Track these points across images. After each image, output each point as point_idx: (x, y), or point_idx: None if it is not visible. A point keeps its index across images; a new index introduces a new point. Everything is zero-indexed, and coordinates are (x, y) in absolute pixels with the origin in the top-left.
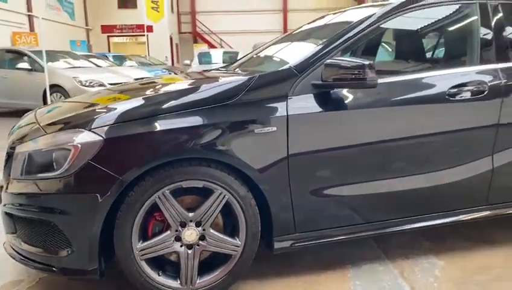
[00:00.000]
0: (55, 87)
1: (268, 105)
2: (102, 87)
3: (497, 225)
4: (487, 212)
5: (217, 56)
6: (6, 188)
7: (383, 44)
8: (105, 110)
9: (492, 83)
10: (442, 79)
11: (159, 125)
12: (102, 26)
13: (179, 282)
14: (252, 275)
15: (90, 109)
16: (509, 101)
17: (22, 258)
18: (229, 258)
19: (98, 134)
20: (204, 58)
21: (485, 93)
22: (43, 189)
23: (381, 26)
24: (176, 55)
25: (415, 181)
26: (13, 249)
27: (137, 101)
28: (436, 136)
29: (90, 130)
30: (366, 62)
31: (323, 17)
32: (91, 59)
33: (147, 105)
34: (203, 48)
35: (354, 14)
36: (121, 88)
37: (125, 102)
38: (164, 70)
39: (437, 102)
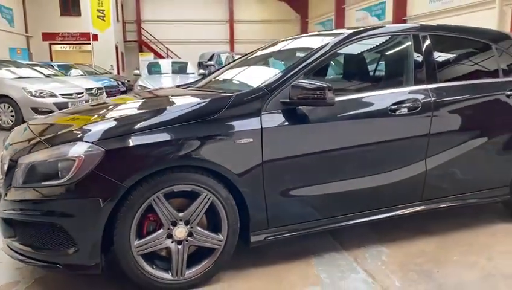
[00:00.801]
0: (3, 98)
1: (246, 120)
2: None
3: (430, 218)
4: (422, 207)
5: (166, 66)
6: (5, 196)
7: (337, 67)
8: (104, 125)
9: (424, 100)
10: (385, 97)
11: (153, 138)
12: (43, 33)
13: (170, 274)
14: (231, 266)
15: (90, 123)
16: (438, 115)
17: (24, 258)
18: (213, 251)
19: (99, 146)
20: (153, 68)
21: (419, 109)
22: (49, 195)
23: (335, 52)
24: (121, 64)
25: (364, 182)
26: (14, 250)
27: (134, 117)
28: (381, 144)
29: (92, 143)
30: (326, 84)
31: (276, 43)
32: (36, 68)
33: (141, 120)
34: (148, 56)
35: (308, 41)
36: (115, 102)
37: (123, 117)
38: (112, 79)
39: (381, 116)
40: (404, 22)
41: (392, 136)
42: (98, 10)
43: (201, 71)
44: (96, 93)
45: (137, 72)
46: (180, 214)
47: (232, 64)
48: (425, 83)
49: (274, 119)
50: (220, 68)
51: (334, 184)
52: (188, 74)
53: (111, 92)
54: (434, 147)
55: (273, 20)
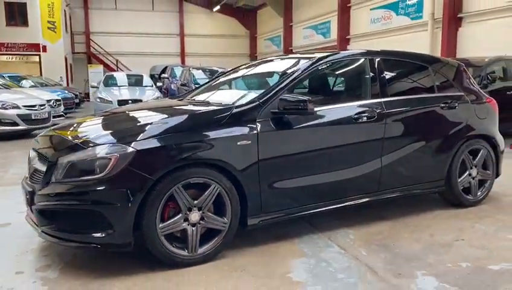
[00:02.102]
0: None
1: (245, 126)
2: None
3: (383, 206)
4: (378, 197)
5: (122, 79)
6: (41, 191)
7: (312, 84)
8: (134, 129)
9: (378, 111)
10: (350, 108)
11: (174, 140)
12: None
13: (186, 251)
14: (232, 246)
15: (122, 127)
16: (389, 123)
17: (63, 242)
18: (220, 232)
19: (131, 147)
20: (110, 80)
21: (375, 117)
22: (89, 187)
23: (310, 72)
24: (70, 76)
25: (334, 176)
26: (52, 236)
27: (156, 122)
28: (347, 145)
29: (124, 144)
30: (307, 98)
31: (256, 64)
32: None
33: (162, 125)
34: (98, 68)
35: (284, 62)
36: (132, 110)
37: (149, 122)
38: (66, 91)
39: (347, 123)
40: (348, 40)
41: (356, 139)
42: (48, 21)
43: (159, 84)
44: (55, 105)
45: (94, 84)
46: (195, 202)
47: (218, 80)
48: (379, 97)
49: (266, 125)
50: (207, 83)
51: (311, 177)
52: (145, 86)
53: (67, 104)
54: (387, 148)
55: (223, 35)
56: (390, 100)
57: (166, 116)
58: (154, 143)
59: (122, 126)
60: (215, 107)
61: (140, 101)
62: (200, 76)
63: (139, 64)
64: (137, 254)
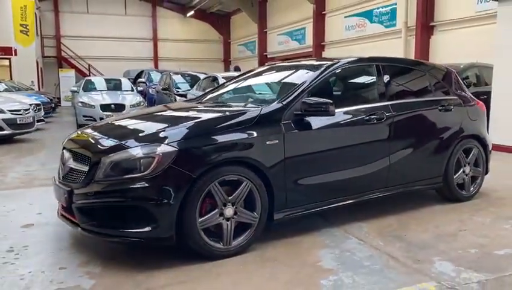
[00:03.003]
0: None
1: (273, 127)
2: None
3: (386, 201)
4: (386, 193)
5: (100, 83)
6: (82, 189)
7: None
8: (175, 129)
9: (387, 113)
10: (362, 110)
11: (212, 140)
12: None
13: (221, 244)
14: (261, 240)
15: (160, 127)
16: (395, 124)
17: (107, 237)
18: (250, 226)
19: (173, 146)
20: (90, 85)
21: (384, 119)
22: (134, 185)
23: (326, 77)
24: (41, 80)
25: (348, 173)
26: (94, 232)
27: (194, 123)
28: (361, 145)
29: (168, 144)
30: (329, 100)
31: (268, 68)
32: None
33: (200, 125)
34: (69, 72)
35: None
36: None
37: (185, 123)
38: (43, 96)
39: (361, 124)
40: (323, 47)
41: (368, 139)
42: (21, 25)
43: (140, 88)
44: (35, 110)
45: (74, 88)
46: (229, 198)
47: (231, 84)
48: (386, 100)
49: (290, 126)
50: (219, 87)
51: (330, 174)
52: (125, 90)
53: (45, 108)
54: (393, 147)
55: (197, 40)
56: (396, 103)
57: (200, 117)
58: (194, 142)
59: (159, 126)
60: (245, 109)
61: (123, 105)
62: (180, 80)
63: (112, 69)
64: (168, 248)
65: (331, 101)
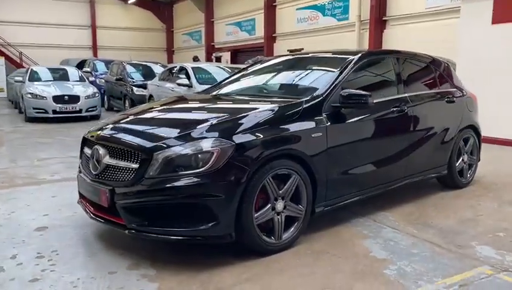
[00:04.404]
0: None
1: (316, 119)
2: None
3: (398, 190)
4: (405, 181)
5: (45, 73)
6: (130, 187)
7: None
8: (229, 123)
9: (407, 105)
10: (389, 102)
11: (266, 133)
12: None
13: (272, 238)
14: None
15: (217, 122)
16: (414, 115)
17: (160, 237)
18: (297, 219)
19: (230, 140)
20: (35, 75)
21: (405, 111)
22: (192, 181)
23: (356, 69)
24: None
25: (380, 163)
26: (145, 232)
27: (245, 116)
28: (390, 135)
29: (224, 139)
30: (368, 93)
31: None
32: None
33: (252, 119)
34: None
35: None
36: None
37: (236, 116)
38: None
39: (389, 116)
40: (274, 38)
41: (395, 129)
42: None
43: (91, 79)
44: None
45: (19, 78)
46: (280, 192)
47: (245, 75)
48: (405, 93)
49: (330, 118)
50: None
51: (364, 166)
52: (75, 81)
53: None
54: (413, 137)
55: (139, 28)
56: (412, 95)
57: (250, 109)
58: (250, 136)
59: (208, 120)
60: (289, 101)
61: (78, 97)
62: (133, 70)
63: (46, 58)
64: (208, 246)
65: (370, 94)
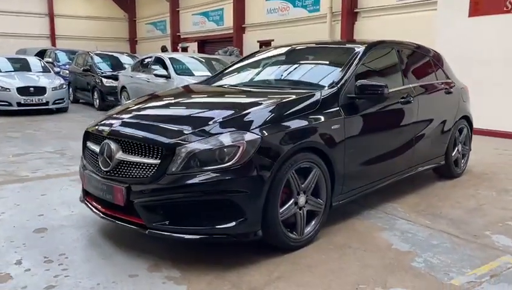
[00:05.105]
0: None
1: (334, 111)
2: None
3: (401, 180)
4: (411, 172)
5: (4, 63)
6: (150, 184)
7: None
8: (253, 115)
9: (413, 95)
10: (398, 92)
11: (289, 126)
12: None
13: (295, 234)
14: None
15: (240, 114)
16: (420, 106)
17: (184, 236)
18: (317, 214)
19: (256, 133)
20: None
21: (411, 101)
22: (218, 177)
23: (365, 58)
24: None
25: (392, 154)
26: (167, 231)
27: (270, 109)
28: (400, 126)
29: (250, 131)
30: (384, 83)
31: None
32: None
33: (275, 111)
34: None
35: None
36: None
37: (262, 108)
38: None
39: (399, 106)
40: (244, 29)
41: (404, 120)
42: None
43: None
44: None
45: None
46: (302, 186)
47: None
48: (409, 84)
49: (346, 109)
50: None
51: (380, 157)
52: (37, 71)
53: None
54: (418, 128)
55: (99, 17)
56: (416, 85)
57: (267, 102)
58: (274, 129)
59: (231, 113)
60: (308, 93)
61: (44, 88)
62: (100, 61)
63: (0, 47)
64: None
65: (386, 84)
